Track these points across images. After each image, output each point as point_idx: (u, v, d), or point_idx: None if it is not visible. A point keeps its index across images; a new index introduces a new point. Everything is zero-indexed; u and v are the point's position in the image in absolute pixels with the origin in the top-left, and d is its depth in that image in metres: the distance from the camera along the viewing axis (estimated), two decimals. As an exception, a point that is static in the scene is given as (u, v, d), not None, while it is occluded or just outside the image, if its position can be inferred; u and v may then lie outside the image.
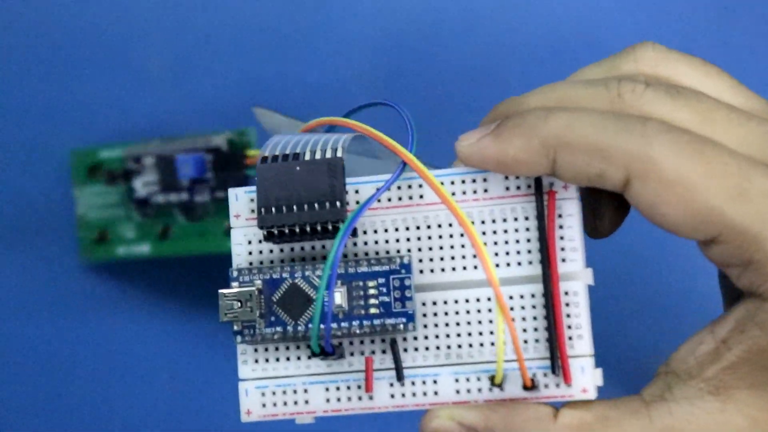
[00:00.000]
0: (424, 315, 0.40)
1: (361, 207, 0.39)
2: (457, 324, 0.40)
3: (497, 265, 0.40)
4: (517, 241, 0.40)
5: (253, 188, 0.41)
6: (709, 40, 0.56)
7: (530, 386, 0.39)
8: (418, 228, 0.41)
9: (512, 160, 0.38)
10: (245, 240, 0.41)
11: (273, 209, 0.40)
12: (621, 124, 0.37)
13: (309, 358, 0.41)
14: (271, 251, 0.41)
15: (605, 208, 0.42)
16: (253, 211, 0.41)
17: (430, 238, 0.40)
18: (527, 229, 0.40)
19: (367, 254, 0.41)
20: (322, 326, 0.39)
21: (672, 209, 0.37)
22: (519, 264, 0.40)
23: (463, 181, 0.40)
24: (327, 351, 0.39)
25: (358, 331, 0.39)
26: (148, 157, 0.57)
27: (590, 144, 0.37)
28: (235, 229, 0.42)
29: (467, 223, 0.38)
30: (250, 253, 0.41)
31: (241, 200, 0.41)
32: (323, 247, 0.41)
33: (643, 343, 0.49)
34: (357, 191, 0.41)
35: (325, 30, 0.56)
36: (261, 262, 0.41)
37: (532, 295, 0.40)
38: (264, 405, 0.41)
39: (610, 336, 0.44)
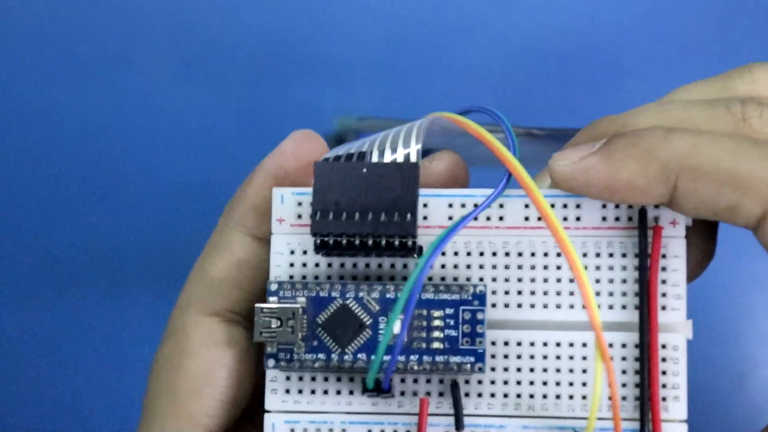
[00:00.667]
0: (493, 356, 0.34)
1: (459, 222, 0.33)
2: (532, 370, 0.34)
3: (582, 307, 0.34)
4: (611, 281, 0.34)
5: (303, 190, 0.35)
6: (709, 38, 0.51)
7: None
8: (494, 254, 0.35)
9: (624, 185, 0.32)
10: (287, 249, 0.35)
11: (331, 214, 0.33)
12: (760, 151, 0.32)
13: (352, 393, 0.34)
14: (317, 265, 0.35)
15: (690, 252, 0.36)
16: (300, 216, 0.35)
17: (507, 267, 0.34)
18: (624, 268, 0.34)
19: (431, 279, 0.35)
20: (386, 358, 0.32)
21: None
22: (610, 307, 0.34)
23: (552, 205, 0.34)
24: (384, 388, 0.33)
25: (416, 368, 0.33)
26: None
27: (722, 171, 0.32)
28: (277, 235, 0.35)
29: (575, 256, 0.32)
30: (292, 265, 0.35)
31: (287, 202, 0.35)
32: (379, 266, 0.35)
33: (734, 415, 0.44)
34: (425, 205, 0.35)
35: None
36: (304, 277, 0.35)
37: (623, 345, 0.34)
38: (293, 444, 0.35)
39: (698, 400, 0.39)
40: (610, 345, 0.34)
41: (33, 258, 0.53)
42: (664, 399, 0.33)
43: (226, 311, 0.36)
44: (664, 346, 0.34)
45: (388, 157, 0.34)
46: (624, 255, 0.34)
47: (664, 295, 0.34)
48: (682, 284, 0.34)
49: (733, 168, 0.31)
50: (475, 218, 0.35)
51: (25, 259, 0.52)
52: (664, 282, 0.34)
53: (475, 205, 0.34)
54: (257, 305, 0.34)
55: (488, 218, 0.35)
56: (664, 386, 0.34)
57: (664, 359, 0.34)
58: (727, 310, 0.39)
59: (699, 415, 0.45)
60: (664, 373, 0.34)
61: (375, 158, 0.34)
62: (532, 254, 0.34)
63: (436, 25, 0.55)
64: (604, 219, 0.34)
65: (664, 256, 0.34)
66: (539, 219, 0.34)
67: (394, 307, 0.32)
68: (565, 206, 0.34)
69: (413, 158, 0.34)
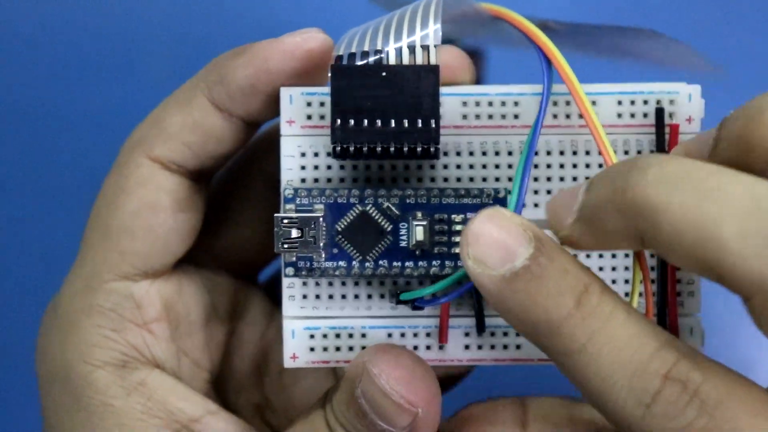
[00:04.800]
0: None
1: (535, 127, 0.32)
2: (549, 269, 0.34)
3: (600, 204, 0.34)
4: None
5: (312, 89, 0.34)
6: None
7: None
8: (510, 154, 0.34)
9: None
10: (298, 152, 0.34)
11: (351, 121, 0.32)
12: None
13: (371, 297, 0.34)
14: (329, 167, 0.34)
15: None
16: (309, 117, 0.34)
17: (536, 166, 0.34)
18: (639, 165, 0.34)
19: (459, 179, 0.34)
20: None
21: None
22: (626, 204, 0.34)
23: (568, 103, 0.34)
24: (419, 306, 0.33)
25: (438, 273, 0.33)
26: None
27: None
28: (287, 137, 0.34)
29: (612, 154, 0.32)
30: (303, 168, 0.34)
31: (296, 103, 0.34)
32: (393, 167, 0.34)
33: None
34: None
35: None
36: (316, 180, 0.34)
37: (638, 242, 0.34)
38: (313, 349, 0.34)
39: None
40: (626, 242, 0.34)
41: (32, 258, 0.51)
42: (679, 294, 0.34)
43: (170, 161, 0.36)
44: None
45: (404, 43, 0.33)
46: (639, 152, 0.34)
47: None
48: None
49: None
50: (490, 116, 0.34)
51: (25, 259, 0.51)
52: (678, 178, 0.34)
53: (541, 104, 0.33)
54: (276, 215, 0.33)
55: (503, 116, 0.34)
56: (679, 281, 0.34)
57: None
58: (724, 310, 0.39)
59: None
60: (678, 268, 0.34)
61: (393, 52, 0.33)
62: (548, 153, 0.34)
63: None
64: (619, 116, 0.34)
65: (679, 154, 0.34)
66: (554, 117, 0.34)
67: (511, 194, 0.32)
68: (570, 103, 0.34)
69: (431, 47, 0.33)
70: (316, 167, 0.34)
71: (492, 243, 0.29)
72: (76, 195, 0.46)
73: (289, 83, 0.34)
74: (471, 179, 0.34)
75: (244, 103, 0.35)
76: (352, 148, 0.32)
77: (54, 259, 0.51)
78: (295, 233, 0.33)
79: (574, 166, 0.34)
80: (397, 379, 0.32)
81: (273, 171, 0.38)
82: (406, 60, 0.33)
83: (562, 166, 0.34)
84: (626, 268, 0.34)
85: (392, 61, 0.33)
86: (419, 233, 0.33)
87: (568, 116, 0.34)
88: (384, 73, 0.32)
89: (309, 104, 0.34)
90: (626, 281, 0.34)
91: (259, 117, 0.35)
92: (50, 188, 0.51)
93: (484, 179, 0.34)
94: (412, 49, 0.33)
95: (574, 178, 0.34)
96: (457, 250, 0.33)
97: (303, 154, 0.34)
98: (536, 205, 0.34)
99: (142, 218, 0.35)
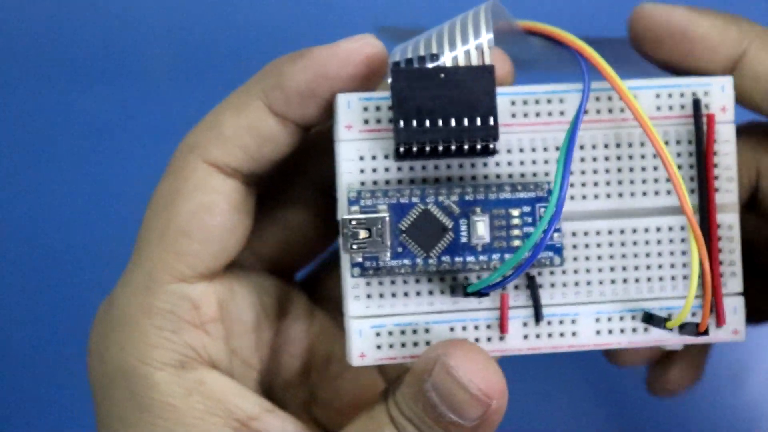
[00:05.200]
0: (574, 247, 0.36)
1: (576, 118, 0.34)
2: (599, 258, 0.36)
3: (644, 194, 0.36)
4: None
5: (369, 95, 0.35)
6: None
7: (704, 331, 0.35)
8: (557, 149, 0.35)
9: (701, 35, 0.36)
10: (357, 155, 0.35)
11: (414, 122, 0.33)
12: None
13: (432, 293, 0.35)
14: (387, 170, 0.35)
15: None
16: (366, 121, 0.35)
17: (583, 160, 0.36)
18: (678, 155, 0.36)
19: (510, 176, 0.35)
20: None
21: None
22: (668, 193, 0.36)
23: (610, 98, 0.36)
24: (485, 293, 0.34)
25: (498, 266, 0.34)
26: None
27: None
28: (345, 142, 0.35)
29: (660, 143, 0.34)
30: (362, 171, 0.35)
31: (353, 108, 0.35)
32: (448, 167, 0.35)
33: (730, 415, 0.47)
34: (489, 104, 0.35)
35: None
36: (375, 182, 0.35)
37: (681, 228, 0.36)
38: (379, 347, 0.35)
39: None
40: (669, 228, 0.36)
41: (33, 258, 0.51)
42: (722, 275, 0.36)
43: (226, 165, 0.36)
44: (719, 226, 0.36)
45: (460, 52, 0.34)
46: (678, 142, 0.36)
47: (717, 178, 0.36)
48: (734, 167, 0.36)
49: None
50: (537, 114, 0.36)
51: (26, 259, 0.51)
52: (716, 166, 0.36)
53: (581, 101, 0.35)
54: (343, 217, 0.34)
55: (549, 114, 0.36)
56: (721, 263, 0.36)
57: (720, 238, 0.36)
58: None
59: (695, 415, 0.48)
60: (720, 251, 0.36)
61: (448, 57, 0.34)
62: (593, 146, 0.36)
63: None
64: (658, 108, 0.36)
65: (715, 142, 0.36)
66: (598, 112, 0.36)
67: (544, 216, 0.33)
68: (612, 98, 0.36)
69: (485, 49, 0.34)
70: (374, 170, 0.35)
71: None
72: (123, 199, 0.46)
73: (345, 89, 0.35)
74: (522, 175, 0.35)
75: (300, 108, 0.35)
76: (415, 148, 0.34)
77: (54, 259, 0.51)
78: (363, 234, 0.34)
79: (618, 158, 0.36)
80: (473, 371, 0.33)
81: (315, 173, 0.39)
82: (462, 62, 0.34)
83: (607, 158, 0.36)
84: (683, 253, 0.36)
85: (449, 64, 0.34)
86: (480, 228, 0.34)
87: (610, 110, 0.36)
88: (442, 75, 0.34)
89: (366, 109, 0.35)
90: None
91: (313, 121, 0.36)
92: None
93: (534, 174, 0.36)
94: (467, 52, 0.34)
95: (619, 170, 0.36)
96: (515, 243, 0.35)
97: (361, 158, 0.35)
98: (584, 197, 0.36)
99: (199, 220, 0.36)
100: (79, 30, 0.53)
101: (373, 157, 0.35)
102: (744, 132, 0.38)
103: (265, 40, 0.53)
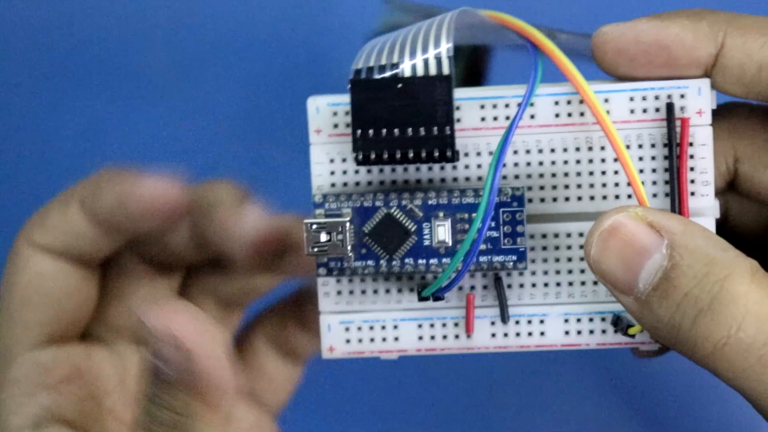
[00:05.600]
0: (532, 248, 0.36)
1: (513, 123, 0.34)
2: (569, 260, 0.36)
3: (617, 197, 0.36)
4: (641, 171, 0.35)
5: (337, 100, 0.36)
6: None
7: None
8: (528, 152, 0.36)
9: (674, 39, 0.34)
10: (327, 158, 0.36)
11: (371, 131, 0.34)
12: None
13: (401, 291, 0.36)
14: (357, 172, 0.36)
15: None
16: (336, 126, 0.36)
17: (541, 163, 0.36)
18: (653, 158, 0.35)
19: (480, 178, 0.36)
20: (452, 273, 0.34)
21: None
22: (630, 198, 0.36)
23: (581, 101, 0.35)
24: (439, 296, 0.35)
25: (461, 269, 0.35)
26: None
27: None
28: (316, 146, 0.36)
29: (622, 147, 0.34)
30: (332, 173, 0.36)
31: (322, 113, 0.36)
32: (417, 169, 0.36)
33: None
34: (458, 107, 0.36)
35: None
36: (345, 184, 0.36)
37: (654, 231, 0.36)
38: (348, 341, 0.37)
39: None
40: (643, 231, 0.36)
41: None
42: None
43: (49, 247, 0.39)
44: (693, 230, 0.35)
45: (419, 60, 0.35)
46: (653, 146, 0.35)
47: (692, 181, 0.35)
48: (710, 170, 0.35)
49: None
50: (507, 117, 0.36)
51: None
52: (692, 169, 0.35)
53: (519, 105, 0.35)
54: (306, 221, 0.35)
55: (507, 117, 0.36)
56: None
57: (694, 242, 0.36)
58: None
59: (693, 415, 0.46)
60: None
61: (408, 65, 0.35)
62: (564, 150, 0.36)
63: None
64: (632, 112, 0.35)
65: (691, 144, 0.35)
66: (569, 115, 0.36)
67: (476, 215, 0.34)
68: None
69: (444, 59, 0.34)
70: (344, 172, 0.36)
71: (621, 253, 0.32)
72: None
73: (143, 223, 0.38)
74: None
75: (108, 220, 0.38)
76: (373, 156, 0.35)
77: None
78: (324, 237, 0.35)
79: (590, 161, 0.36)
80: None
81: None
82: (420, 72, 0.34)
83: (578, 161, 0.36)
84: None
85: (407, 73, 0.34)
86: (441, 232, 0.35)
87: (581, 114, 0.35)
88: (399, 85, 0.34)
89: (335, 114, 0.36)
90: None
91: (124, 232, 0.39)
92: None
93: (504, 177, 0.36)
94: (425, 61, 0.34)
95: (590, 173, 0.36)
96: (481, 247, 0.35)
97: (332, 161, 0.36)
98: (554, 199, 0.36)
99: (33, 291, 0.39)
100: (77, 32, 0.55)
101: (343, 160, 0.36)
102: (721, 114, 0.37)
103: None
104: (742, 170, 0.38)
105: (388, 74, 0.34)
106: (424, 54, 0.34)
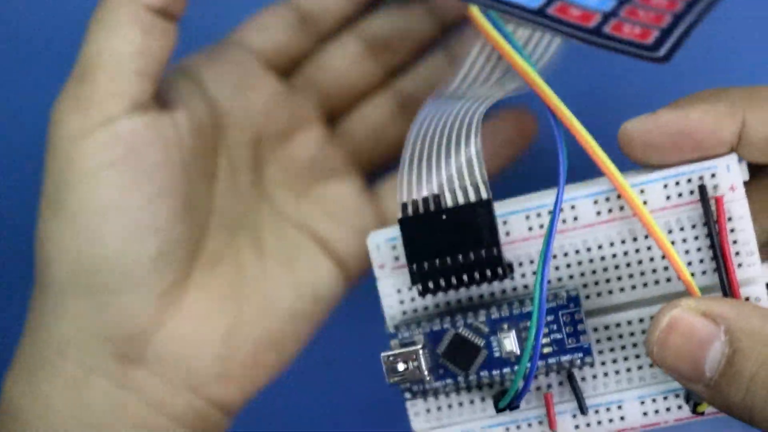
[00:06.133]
0: (598, 341, 0.38)
1: (549, 234, 0.36)
2: (635, 345, 0.38)
3: (668, 280, 0.38)
4: (687, 252, 0.37)
5: (393, 235, 0.39)
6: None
7: None
8: (577, 252, 0.38)
9: (696, 124, 0.36)
10: (394, 290, 0.39)
11: (426, 264, 0.37)
12: None
13: (484, 400, 0.39)
14: (423, 297, 0.39)
15: None
16: (397, 258, 0.39)
17: (591, 261, 0.38)
18: (696, 238, 0.37)
19: (526, 287, 0.38)
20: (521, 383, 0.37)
21: None
22: (692, 275, 0.37)
23: (619, 197, 0.38)
24: (515, 406, 0.38)
25: (527, 375, 0.37)
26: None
27: None
28: (382, 279, 0.39)
29: (663, 239, 0.36)
30: (402, 302, 0.39)
31: (383, 250, 0.39)
32: (480, 297, 0.39)
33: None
34: (505, 222, 0.38)
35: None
36: (415, 310, 0.39)
37: (710, 306, 0.38)
38: (444, 454, 0.40)
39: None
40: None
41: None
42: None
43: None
44: (747, 299, 0.37)
45: (459, 191, 0.37)
46: (693, 226, 0.37)
47: (737, 254, 0.37)
48: (752, 240, 0.37)
49: None
50: (529, 228, 0.38)
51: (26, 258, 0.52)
52: (735, 242, 0.37)
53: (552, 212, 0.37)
54: (383, 354, 0.38)
55: (564, 221, 0.38)
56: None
57: (750, 311, 0.37)
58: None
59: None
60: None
61: (448, 196, 0.37)
62: (611, 244, 0.38)
63: None
64: (668, 198, 0.37)
65: (730, 219, 0.37)
66: (609, 211, 0.38)
67: (530, 324, 0.36)
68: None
69: (480, 184, 0.37)
70: (412, 299, 0.39)
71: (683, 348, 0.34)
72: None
73: None
74: (547, 282, 0.38)
75: None
76: (431, 285, 0.37)
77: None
78: (401, 366, 0.38)
79: (637, 251, 0.38)
80: None
81: None
82: (461, 200, 0.37)
83: (625, 253, 0.38)
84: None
85: (449, 203, 0.37)
86: (508, 344, 0.37)
87: (621, 208, 0.37)
88: (444, 216, 0.37)
89: (394, 248, 0.39)
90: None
91: None
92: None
93: (559, 279, 0.38)
94: (464, 189, 0.37)
95: (639, 262, 0.38)
96: (546, 351, 0.37)
97: (398, 291, 0.39)
98: (610, 292, 0.38)
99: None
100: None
101: (409, 288, 0.39)
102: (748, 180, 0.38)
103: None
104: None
105: (432, 207, 0.37)
106: (461, 182, 0.37)
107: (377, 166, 0.50)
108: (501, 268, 0.37)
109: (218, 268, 0.45)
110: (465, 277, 0.37)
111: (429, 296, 0.39)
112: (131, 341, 0.44)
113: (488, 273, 0.37)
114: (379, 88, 0.50)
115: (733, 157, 0.37)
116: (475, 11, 0.41)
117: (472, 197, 0.37)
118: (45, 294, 0.44)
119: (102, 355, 0.44)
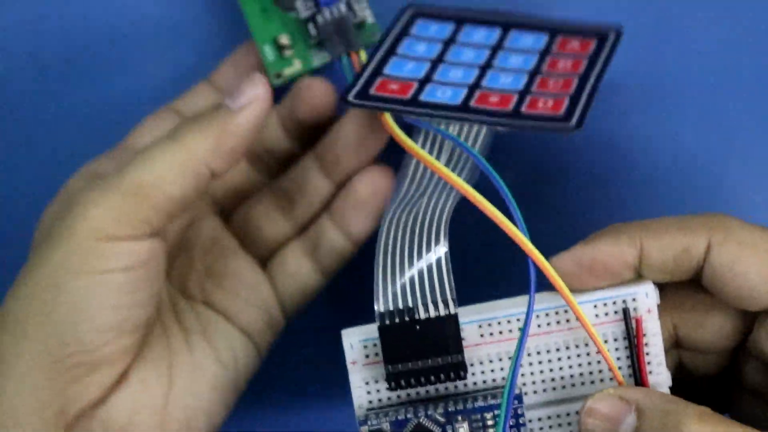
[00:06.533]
0: (551, 427, 0.46)
1: (518, 351, 0.44)
2: (568, 434, 0.46)
3: (592, 382, 0.46)
4: (618, 359, 0.45)
5: (366, 336, 0.45)
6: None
7: None
8: (529, 355, 0.46)
9: (605, 255, 0.45)
10: (363, 382, 0.46)
11: (399, 366, 0.44)
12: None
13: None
14: (389, 388, 0.46)
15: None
16: (367, 356, 0.46)
17: (530, 364, 0.46)
18: (616, 349, 0.46)
19: (484, 382, 0.46)
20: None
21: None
22: (611, 380, 0.46)
23: (557, 313, 0.45)
24: None
25: (485, 461, 0.45)
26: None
27: (674, 224, 0.45)
28: (354, 374, 0.46)
29: (601, 344, 0.44)
30: (369, 393, 0.46)
31: (356, 348, 0.46)
32: (436, 390, 0.46)
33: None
34: (461, 330, 0.45)
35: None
36: (380, 400, 0.46)
37: (625, 406, 0.46)
38: None
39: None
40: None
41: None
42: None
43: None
44: (655, 400, 0.46)
45: (430, 306, 0.44)
46: (615, 340, 0.45)
47: (649, 363, 0.45)
48: (661, 353, 0.45)
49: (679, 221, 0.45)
50: (500, 333, 0.46)
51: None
52: (647, 353, 0.45)
53: (520, 329, 0.45)
54: (352, 440, 0.45)
55: (510, 331, 0.45)
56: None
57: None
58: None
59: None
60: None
61: (421, 308, 0.44)
62: (557, 349, 0.46)
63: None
64: (597, 316, 0.45)
65: (645, 335, 0.45)
66: (558, 323, 0.46)
67: (500, 412, 0.44)
68: (566, 311, 0.45)
69: (449, 301, 0.44)
70: (378, 391, 0.46)
71: (604, 423, 0.43)
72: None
73: None
74: (494, 380, 0.46)
75: None
76: (403, 383, 0.44)
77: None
78: (369, 451, 0.45)
79: (578, 356, 0.46)
80: None
81: None
82: (432, 313, 0.44)
83: (569, 358, 0.46)
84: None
85: (422, 315, 0.44)
86: (462, 433, 0.45)
87: (558, 322, 0.45)
88: (417, 326, 0.44)
89: (365, 347, 0.45)
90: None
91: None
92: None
93: (504, 378, 0.46)
94: (435, 303, 0.44)
95: (579, 365, 0.46)
96: (492, 440, 0.45)
97: (367, 383, 0.46)
98: (545, 390, 0.46)
99: None
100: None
101: (376, 381, 0.46)
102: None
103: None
104: (681, 333, 0.48)
105: (407, 318, 0.44)
106: (432, 297, 0.44)
107: (268, 250, 0.56)
108: (464, 371, 0.44)
109: (151, 339, 0.51)
110: (432, 378, 0.44)
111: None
112: (83, 414, 0.48)
113: (452, 375, 0.44)
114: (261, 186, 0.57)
115: (649, 285, 0.45)
116: (389, 122, 0.49)
117: (442, 311, 0.44)
118: (6, 361, 0.48)
119: (54, 428, 0.47)
